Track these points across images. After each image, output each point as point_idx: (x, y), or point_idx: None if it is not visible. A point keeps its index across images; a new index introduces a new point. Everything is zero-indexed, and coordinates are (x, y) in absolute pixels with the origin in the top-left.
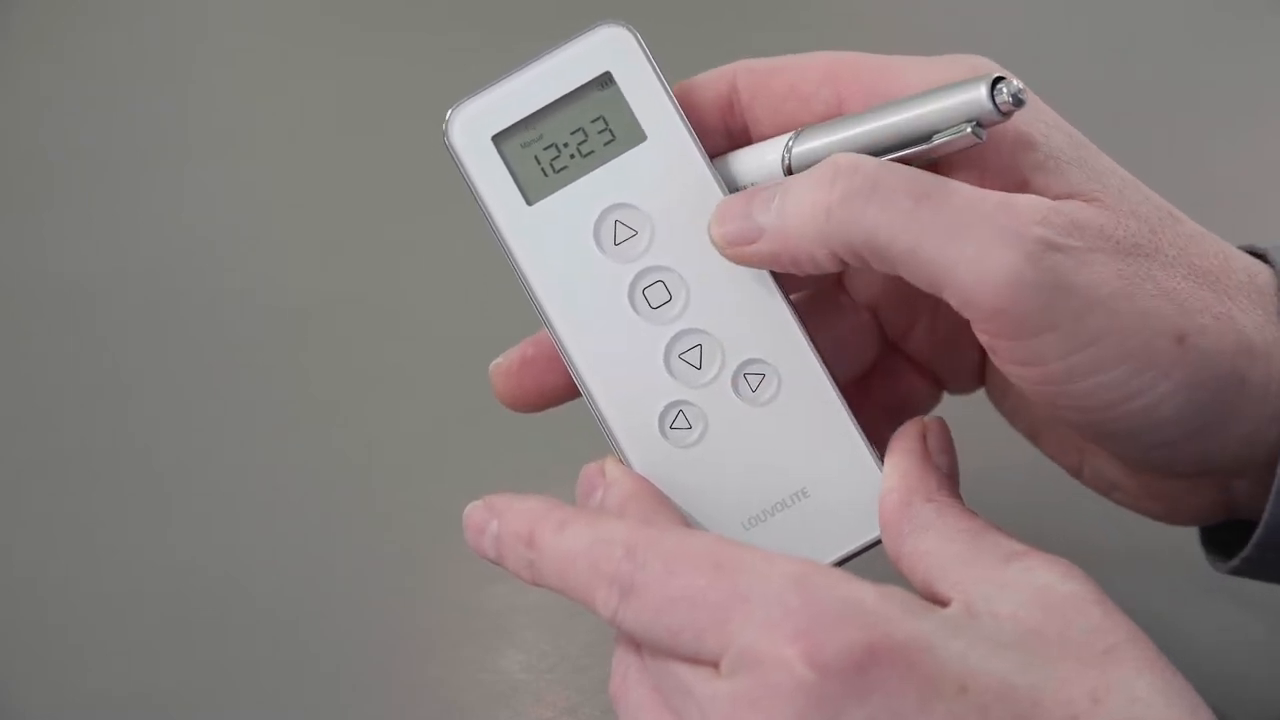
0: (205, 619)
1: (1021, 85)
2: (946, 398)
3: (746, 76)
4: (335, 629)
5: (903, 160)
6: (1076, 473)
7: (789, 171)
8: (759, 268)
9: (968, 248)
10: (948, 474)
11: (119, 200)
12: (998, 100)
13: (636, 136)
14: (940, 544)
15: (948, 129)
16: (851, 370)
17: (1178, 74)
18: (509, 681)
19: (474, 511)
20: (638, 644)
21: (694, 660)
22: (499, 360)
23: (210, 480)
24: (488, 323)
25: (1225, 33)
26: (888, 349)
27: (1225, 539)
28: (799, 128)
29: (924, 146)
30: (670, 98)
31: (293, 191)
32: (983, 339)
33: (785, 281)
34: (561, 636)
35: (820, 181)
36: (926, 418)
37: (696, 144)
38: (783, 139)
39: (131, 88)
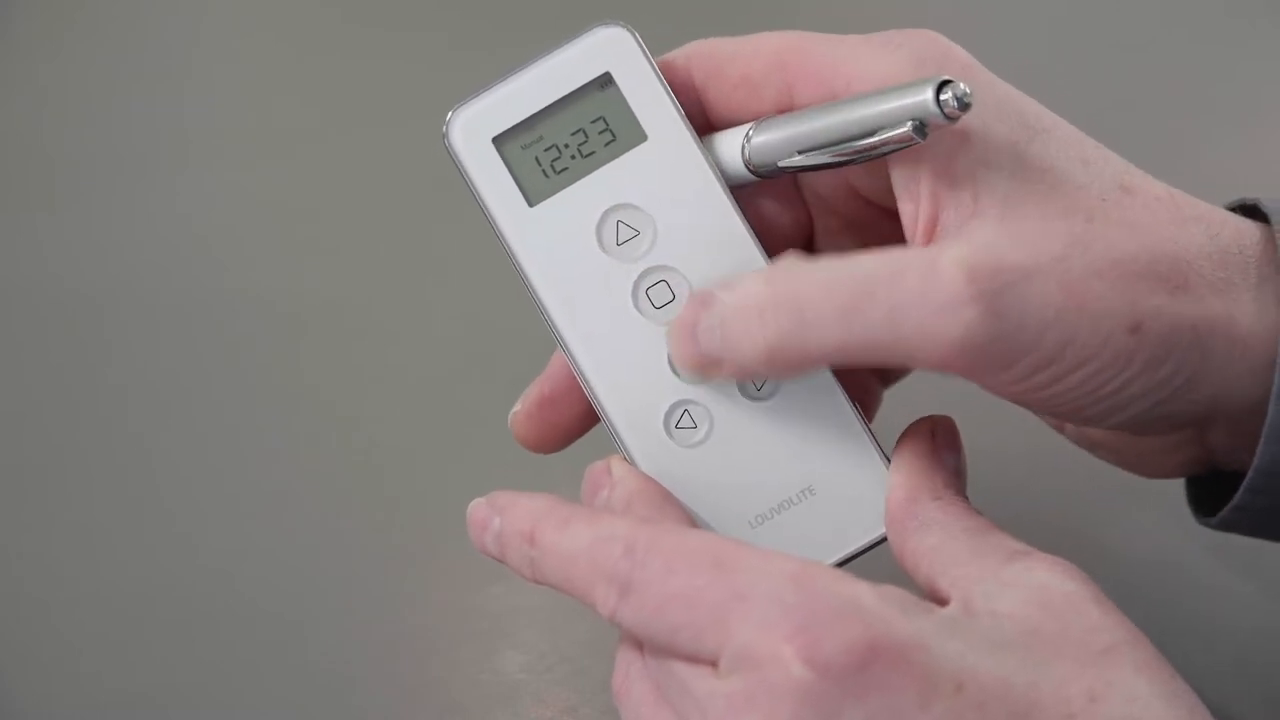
0: (206, 619)
1: (967, 89)
2: (957, 392)
3: (700, 62)
4: (335, 629)
5: (846, 158)
6: (1060, 430)
7: (748, 165)
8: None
9: (910, 339)
10: (954, 473)
11: (119, 201)
12: (943, 105)
13: (637, 136)
14: (943, 541)
15: (891, 126)
16: None
17: (1178, 74)
18: (509, 681)
19: (477, 508)
20: (640, 642)
21: (693, 659)
22: (516, 408)
23: (210, 481)
24: (487, 323)
25: (1225, 33)
26: None
27: (1212, 499)
28: (756, 120)
29: (867, 141)
30: (670, 97)
31: (293, 192)
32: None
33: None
34: (561, 637)
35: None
36: (936, 416)
37: (697, 143)
38: (742, 130)
39: (131, 88)
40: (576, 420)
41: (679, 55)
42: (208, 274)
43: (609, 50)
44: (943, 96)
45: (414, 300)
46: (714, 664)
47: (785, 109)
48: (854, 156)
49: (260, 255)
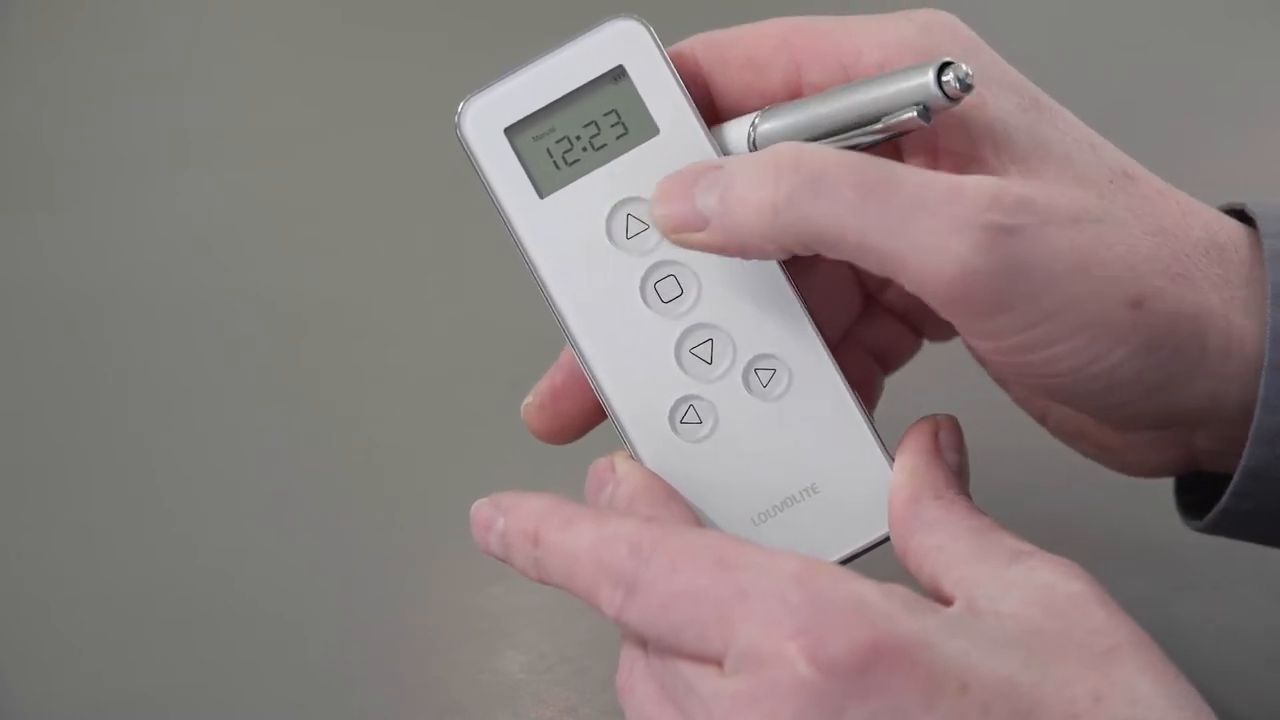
0: (206, 619)
1: (968, 69)
2: (960, 392)
3: (705, 49)
4: (335, 629)
5: (854, 142)
6: (1042, 421)
7: (754, 150)
8: (703, 251)
9: (917, 239)
10: (957, 472)
11: (119, 201)
12: (945, 86)
13: (649, 130)
14: (947, 541)
15: (895, 111)
16: (839, 322)
17: (1178, 74)
18: (509, 682)
19: (480, 509)
20: (644, 640)
21: (698, 658)
22: (528, 399)
23: (211, 481)
24: (487, 323)
25: (1225, 33)
26: (869, 298)
27: (1199, 503)
28: (763, 106)
29: (873, 128)
30: (683, 91)
31: (293, 192)
32: (942, 315)
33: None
34: (561, 637)
35: (763, 178)
36: (939, 415)
37: (709, 137)
38: (748, 118)
39: (131, 88)
40: (588, 412)
41: (684, 45)
42: (208, 274)
43: (622, 43)
44: (944, 78)
45: (414, 300)
46: (719, 663)
47: (794, 89)
48: (859, 143)
49: (260, 255)
